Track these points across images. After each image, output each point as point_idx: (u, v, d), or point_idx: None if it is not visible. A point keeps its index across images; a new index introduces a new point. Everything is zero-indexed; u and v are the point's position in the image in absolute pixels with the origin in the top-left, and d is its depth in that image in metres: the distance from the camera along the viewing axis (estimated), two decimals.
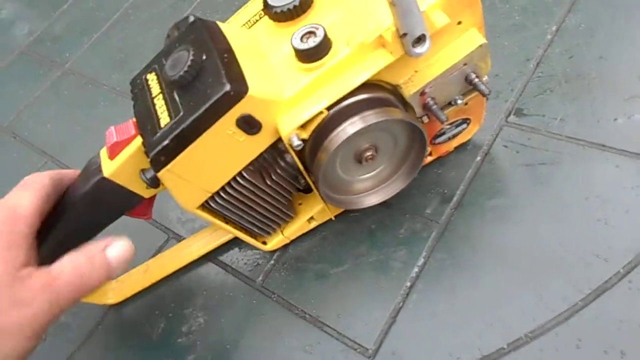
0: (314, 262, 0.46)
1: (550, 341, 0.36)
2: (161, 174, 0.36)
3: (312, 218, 0.46)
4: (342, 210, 0.46)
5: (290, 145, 0.36)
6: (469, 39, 0.36)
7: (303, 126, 0.36)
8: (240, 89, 0.33)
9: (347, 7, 0.37)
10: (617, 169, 0.42)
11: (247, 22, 0.42)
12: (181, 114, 0.34)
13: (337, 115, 0.36)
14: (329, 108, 0.35)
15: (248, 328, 0.44)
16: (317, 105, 0.35)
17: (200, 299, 0.47)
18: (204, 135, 0.34)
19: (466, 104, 0.42)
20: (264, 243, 0.46)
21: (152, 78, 0.38)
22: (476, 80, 0.38)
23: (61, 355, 0.47)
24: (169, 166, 0.35)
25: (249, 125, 0.35)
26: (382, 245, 0.45)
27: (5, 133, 0.71)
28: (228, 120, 0.34)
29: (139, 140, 0.37)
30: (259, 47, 0.38)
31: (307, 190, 0.45)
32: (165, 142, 0.34)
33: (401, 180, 0.42)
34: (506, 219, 0.43)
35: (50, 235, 0.39)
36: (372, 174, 0.41)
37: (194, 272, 0.49)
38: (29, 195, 0.36)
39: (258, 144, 0.37)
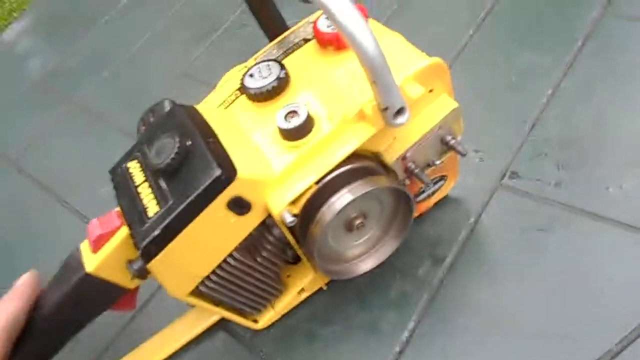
0: (303, 320, 0.45)
1: None
2: (151, 265, 0.35)
3: (302, 289, 0.45)
4: (329, 279, 0.46)
5: (283, 223, 0.36)
6: (442, 104, 0.39)
7: (293, 202, 0.36)
8: (229, 173, 0.33)
9: (322, 83, 0.39)
10: (610, 240, 0.42)
11: (222, 103, 0.42)
12: (170, 202, 0.34)
13: (325, 188, 0.36)
14: (317, 182, 0.36)
15: None
16: (305, 180, 0.36)
17: (190, 353, 0.46)
18: (195, 221, 0.34)
19: (442, 162, 0.44)
20: (255, 321, 0.45)
21: (134, 166, 0.38)
22: (452, 141, 0.40)
23: None
24: (159, 256, 0.34)
25: (239, 206, 0.35)
26: (372, 306, 0.44)
27: (11, 166, 0.70)
28: (219, 204, 0.34)
29: (124, 231, 0.36)
30: (239, 127, 0.39)
31: (294, 262, 0.45)
32: (156, 232, 0.33)
33: (391, 243, 0.42)
34: (499, 285, 0.42)
35: (31, 339, 0.37)
36: (362, 240, 0.42)
37: None
38: (13, 304, 0.34)
39: (248, 224, 0.37)
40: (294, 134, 0.35)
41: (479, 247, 0.45)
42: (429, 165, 0.41)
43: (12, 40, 0.95)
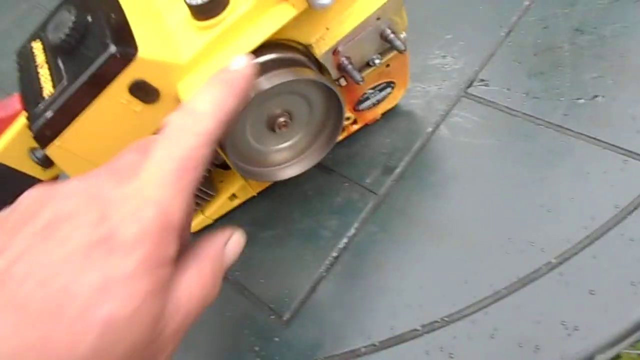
0: (245, 223, 0.44)
1: (465, 328, 0.35)
2: (50, 151, 0.32)
3: (234, 196, 0.43)
4: (265, 186, 0.44)
5: None
6: None
7: None
8: (127, 51, 0.30)
9: None
10: (570, 154, 0.40)
11: None
12: (65, 83, 0.31)
13: None
14: None
15: None
16: (218, 67, 0.32)
17: None
18: (93, 105, 0.31)
19: (388, 66, 0.40)
20: None
21: (37, 46, 0.34)
22: (392, 36, 0.36)
23: None
24: (57, 141, 0.32)
25: (144, 92, 0.32)
26: (315, 212, 0.43)
27: None
28: (119, 87, 0.31)
29: (23, 117, 0.34)
30: (154, 6, 0.35)
31: (227, 166, 0.42)
32: (49, 115, 0.31)
33: (319, 151, 0.39)
34: (446, 196, 0.41)
35: None
36: (287, 144, 0.39)
37: None
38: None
39: (157, 113, 0.34)
40: (204, 12, 0.31)
41: (432, 158, 0.43)
42: (368, 65, 0.38)
43: None
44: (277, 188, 0.44)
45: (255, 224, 0.44)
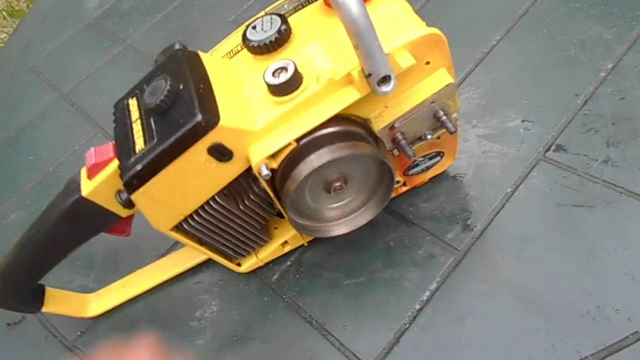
0: (329, 269, 0.47)
1: None
2: (134, 197, 0.37)
3: (286, 242, 0.47)
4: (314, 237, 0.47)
5: (259, 174, 0.37)
6: (437, 79, 0.38)
7: (273, 156, 0.37)
8: (211, 119, 0.35)
9: (321, 43, 0.39)
10: None
11: (229, 53, 0.43)
12: (155, 141, 0.36)
13: (306, 147, 0.37)
14: (298, 140, 0.37)
15: (257, 324, 0.46)
16: (286, 136, 0.37)
17: (217, 287, 0.49)
18: (176, 161, 0.36)
19: (438, 138, 0.43)
20: (239, 265, 0.47)
21: (133, 103, 0.40)
22: (444, 117, 0.39)
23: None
24: (141, 189, 0.37)
25: (220, 153, 0.36)
26: (398, 263, 0.45)
27: (65, 100, 0.75)
28: (199, 149, 0.36)
29: (116, 162, 0.39)
30: (236, 78, 0.40)
31: (282, 215, 0.46)
32: (138, 167, 0.35)
33: (370, 212, 0.43)
34: (528, 258, 0.42)
35: (25, 249, 0.41)
36: (340, 203, 0.42)
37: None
38: None
39: (230, 171, 0.38)
40: (281, 90, 0.36)
41: (512, 218, 0.44)
42: (420, 139, 0.41)
43: None
44: (360, 238, 0.47)
45: (339, 270, 0.47)
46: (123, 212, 0.42)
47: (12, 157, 0.70)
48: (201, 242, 0.44)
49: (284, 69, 0.36)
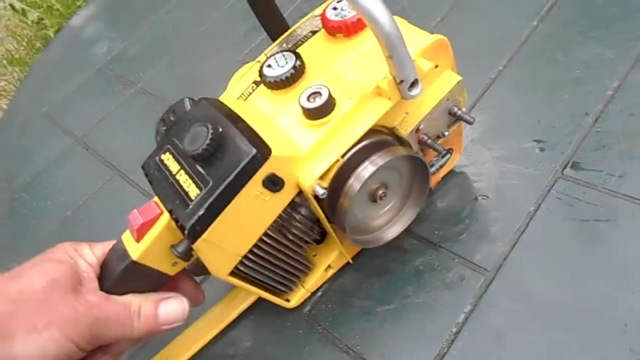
0: (360, 297, 0.47)
1: None
2: (197, 244, 0.37)
3: (329, 266, 0.48)
4: (357, 251, 0.49)
5: (315, 196, 0.38)
6: (448, 78, 0.42)
7: (322, 177, 0.39)
8: (264, 151, 0.36)
9: (337, 67, 0.42)
10: None
11: (241, 96, 0.45)
12: (210, 184, 0.36)
13: (349, 161, 0.39)
14: (342, 156, 0.39)
15: (293, 357, 0.45)
16: (332, 154, 0.39)
17: (249, 322, 0.48)
18: (235, 199, 0.36)
19: (450, 133, 0.47)
20: (287, 301, 0.47)
21: (167, 157, 0.40)
22: (459, 112, 0.43)
23: None
24: (204, 235, 0.37)
25: (273, 183, 0.38)
26: (429, 287, 0.45)
27: (79, 144, 0.75)
28: (255, 182, 0.37)
29: (165, 218, 0.38)
30: (262, 114, 0.42)
31: (319, 241, 0.47)
32: (201, 212, 0.36)
33: (412, 210, 0.45)
34: (558, 274, 0.42)
35: None
36: (385, 209, 0.45)
37: None
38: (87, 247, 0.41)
39: (281, 201, 0.39)
40: (318, 113, 0.38)
41: (538, 236, 0.45)
42: (438, 137, 0.45)
43: (80, 25, 1.03)
44: (389, 264, 0.47)
45: (370, 298, 0.47)
46: (172, 270, 0.41)
47: (29, 203, 0.70)
48: (253, 283, 0.44)
49: (317, 93, 0.39)
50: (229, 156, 0.36)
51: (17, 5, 1.24)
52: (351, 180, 0.39)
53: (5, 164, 0.80)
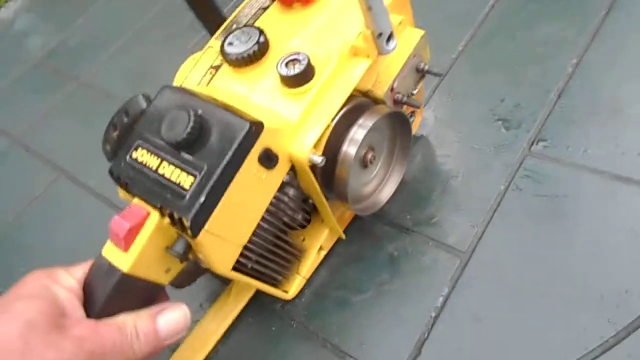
0: (335, 288, 0.45)
1: None
2: (200, 237, 0.33)
3: (320, 248, 0.46)
4: (345, 225, 0.47)
5: (313, 165, 0.36)
6: (412, 34, 0.42)
7: (315, 145, 0.37)
8: (257, 125, 0.34)
9: (302, 36, 0.40)
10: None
11: (199, 83, 0.42)
12: (205, 168, 0.33)
13: (338, 125, 0.38)
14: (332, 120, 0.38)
15: (266, 356, 0.43)
16: (320, 121, 0.37)
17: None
18: (234, 181, 0.34)
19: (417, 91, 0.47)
20: (286, 292, 0.45)
21: (141, 154, 0.36)
22: (425, 67, 0.44)
23: None
24: (206, 226, 0.33)
25: (269, 159, 0.35)
26: (404, 273, 0.44)
27: (18, 145, 0.69)
28: (252, 159, 0.34)
29: (153, 218, 0.34)
30: (233, 92, 0.39)
31: (305, 225, 0.45)
32: (202, 199, 0.32)
33: (399, 166, 0.46)
34: (532, 251, 0.42)
35: None
36: (375, 172, 0.44)
37: None
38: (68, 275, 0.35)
39: (275, 179, 0.37)
40: (300, 80, 0.37)
41: (510, 214, 0.45)
42: (409, 95, 0.45)
43: (10, 18, 0.94)
44: (362, 251, 0.46)
45: (345, 288, 0.45)
46: (165, 279, 0.37)
47: None
48: (251, 275, 0.40)
49: (295, 60, 0.37)
50: (217, 136, 0.34)
51: None
52: (345, 147, 0.38)
53: None
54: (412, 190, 0.49)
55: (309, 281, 0.46)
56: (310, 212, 0.44)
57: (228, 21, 0.45)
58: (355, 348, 0.41)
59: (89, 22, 0.87)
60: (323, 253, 0.47)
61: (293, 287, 0.45)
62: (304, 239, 0.46)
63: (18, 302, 0.32)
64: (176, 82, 0.46)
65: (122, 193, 0.41)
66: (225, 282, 0.47)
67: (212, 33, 0.47)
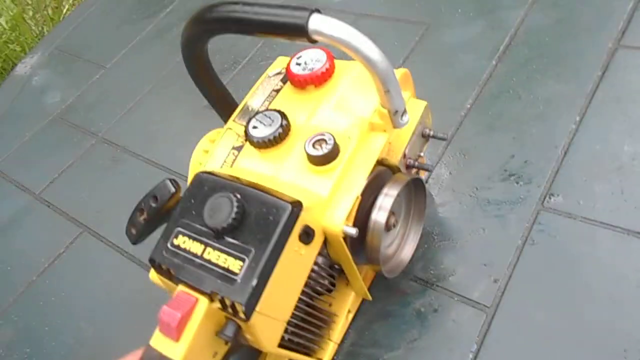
0: (365, 346, 0.46)
1: None
2: (253, 319, 0.34)
3: (348, 311, 0.47)
4: (368, 284, 0.49)
5: (345, 237, 0.39)
6: (416, 105, 0.46)
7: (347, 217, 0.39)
8: (297, 204, 0.36)
9: (319, 116, 0.43)
10: None
11: (223, 164, 0.44)
12: (253, 250, 0.34)
13: (364, 197, 0.41)
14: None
15: None
16: (350, 195, 0.39)
17: None
18: (280, 261, 0.35)
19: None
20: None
21: (183, 241, 0.37)
22: (430, 132, 0.47)
23: None
24: (257, 307, 0.34)
25: (307, 235, 0.37)
26: (433, 329, 0.45)
27: (39, 201, 0.68)
28: (294, 237, 0.36)
29: (202, 304, 0.35)
30: (261, 173, 0.41)
31: (330, 290, 0.47)
32: (254, 282, 0.34)
33: (416, 226, 0.48)
34: (555, 304, 0.43)
35: None
36: (396, 234, 0.47)
37: None
38: None
39: (312, 252, 0.39)
40: (327, 158, 0.39)
41: (531, 268, 0.46)
42: (417, 159, 0.48)
43: (27, 74, 0.94)
44: (390, 308, 0.47)
45: (376, 345, 0.46)
46: None
47: None
48: (291, 349, 0.41)
49: (322, 140, 0.40)
50: (259, 218, 0.35)
51: None
52: (374, 215, 0.40)
53: None
54: (432, 246, 0.51)
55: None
56: (334, 277, 0.46)
57: (242, 104, 0.48)
58: None
59: (105, 79, 0.89)
60: (351, 316, 0.48)
61: (327, 354, 0.46)
62: (330, 304, 0.48)
63: None
64: (194, 161, 0.48)
65: (154, 276, 0.41)
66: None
67: (222, 115, 0.50)
